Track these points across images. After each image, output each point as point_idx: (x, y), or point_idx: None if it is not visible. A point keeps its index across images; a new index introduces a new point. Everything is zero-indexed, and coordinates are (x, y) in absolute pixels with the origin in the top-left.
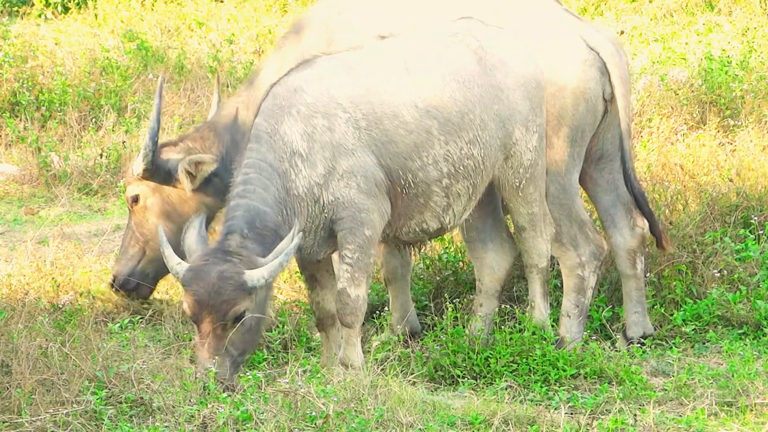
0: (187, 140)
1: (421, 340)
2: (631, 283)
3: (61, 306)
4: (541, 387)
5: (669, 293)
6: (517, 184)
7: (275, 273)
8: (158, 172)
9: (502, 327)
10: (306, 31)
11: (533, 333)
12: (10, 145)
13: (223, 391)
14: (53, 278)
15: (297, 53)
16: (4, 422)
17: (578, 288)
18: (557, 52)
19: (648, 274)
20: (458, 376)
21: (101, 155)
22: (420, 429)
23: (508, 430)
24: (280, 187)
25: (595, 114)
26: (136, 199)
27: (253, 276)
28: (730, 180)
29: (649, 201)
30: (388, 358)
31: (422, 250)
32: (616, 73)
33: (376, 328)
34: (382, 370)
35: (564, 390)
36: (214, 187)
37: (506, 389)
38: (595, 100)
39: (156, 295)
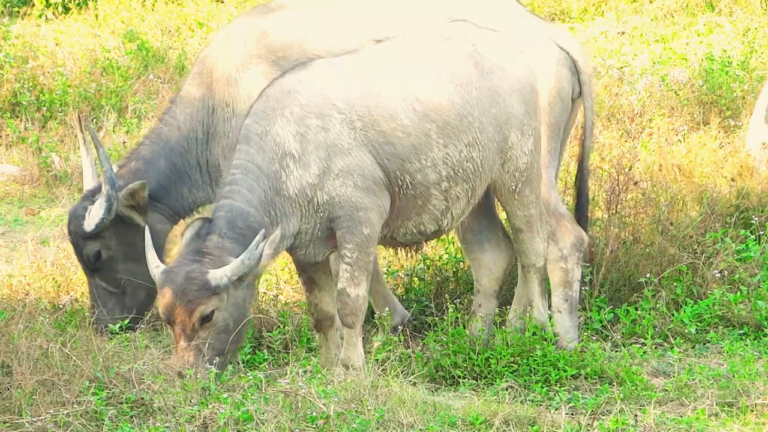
0: (118, 180)
1: (413, 331)
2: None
3: (61, 306)
4: (542, 387)
5: (670, 294)
6: (514, 188)
7: (237, 271)
8: (112, 221)
9: (503, 327)
10: (274, 34)
11: (534, 333)
12: (10, 145)
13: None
14: (54, 279)
15: (262, 51)
16: (4, 422)
17: (564, 281)
18: (533, 52)
19: (648, 275)
20: (459, 377)
21: None
22: (421, 429)
23: (509, 430)
24: (267, 188)
25: (568, 112)
26: (99, 256)
27: (216, 275)
28: (733, 180)
29: (649, 201)
30: (389, 359)
31: (418, 252)
32: (586, 72)
33: (377, 329)
34: (382, 370)
35: (565, 390)
36: (162, 213)
37: (507, 390)
38: (568, 99)
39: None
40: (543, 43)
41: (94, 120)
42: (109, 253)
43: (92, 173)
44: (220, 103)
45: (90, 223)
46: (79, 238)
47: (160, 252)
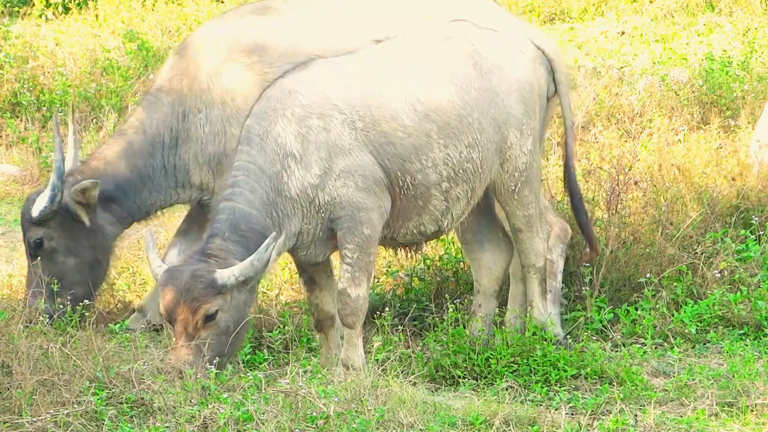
0: (76, 174)
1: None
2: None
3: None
4: (542, 387)
5: (670, 294)
6: (513, 188)
7: (246, 272)
8: (59, 212)
9: (503, 327)
10: (247, 39)
11: (534, 333)
12: (10, 145)
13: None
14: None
15: (235, 55)
16: (5, 422)
17: (548, 272)
18: None
19: (648, 275)
20: (459, 377)
21: None
22: (421, 429)
23: (509, 430)
24: (269, 189)
25: (544, 110)
26: (40, 244)
27: (224, 275)
28: (733, 179)
29: (649, 201)
30: (389, 359)
31: (418, 252)
32: (561, 71)
33: (377, 329)
34: (382, 370)
35: (565, 390)
36: (114, 215)
37: (507, 390)
38: (544, 97)
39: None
40: (519, 41)
41: (95, 120)
42: (51, 243)
43: (73, 156)
44: (192, 110)
45: (35, 209)
46: (26, 221)
47: (106, 254)
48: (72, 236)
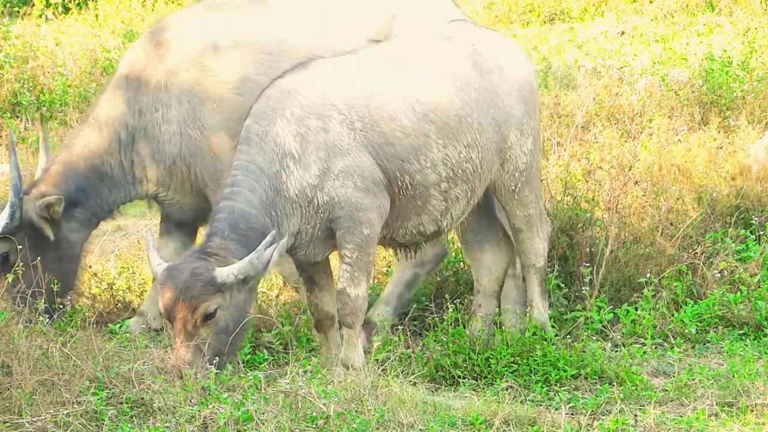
0: (40, 185)
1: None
2: (510, 282)
3: (62, 306)
4: (542, 387)
5: (670, 294)
6: (513, 188)
7: (245, 271)
8: (22, 227)
9: (503, 327)
10: (205, 39)
11: (534, 333)
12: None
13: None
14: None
15: (192, 55)
16: (5, 422)
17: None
18: None
19: (648, 275)
20: (459, 377)
21: None
22: (421, 429)
23: (509, 430)
24: (268, 189)
25: None
26: (6, 259)
27: (223, 272)
28: (732, 179)
29: (649, 201)
30: (389, 359)
31: (418, 252)
32: None
33: (377, 329)
34: (382, 370)
35: (565, 390)
36: (79, 220)
37: (507, 390)
38: None
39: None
40: None
41: None
42: (16, 258)
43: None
44: (148, 108)
45: (2, 225)
46: None
47: (74, 263)
48: (38, 250)
